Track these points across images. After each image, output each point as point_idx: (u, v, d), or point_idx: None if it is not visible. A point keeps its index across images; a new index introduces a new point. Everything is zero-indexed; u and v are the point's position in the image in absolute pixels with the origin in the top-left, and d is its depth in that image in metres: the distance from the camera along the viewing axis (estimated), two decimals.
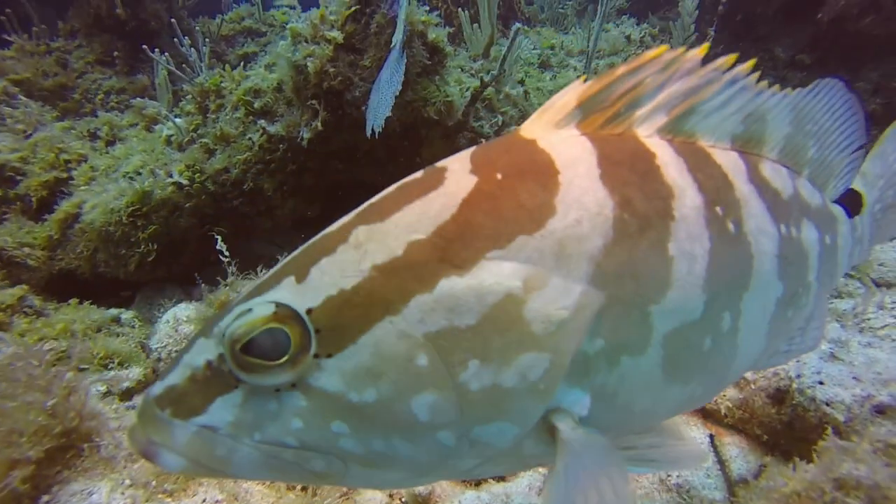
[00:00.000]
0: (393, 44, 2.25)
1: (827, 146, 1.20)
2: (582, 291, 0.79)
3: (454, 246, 0.78)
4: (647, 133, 0.95)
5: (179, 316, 2.44)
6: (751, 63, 1.03)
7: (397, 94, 2.38)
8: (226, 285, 2.35)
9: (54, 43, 4.88)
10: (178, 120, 3.30)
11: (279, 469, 0.78)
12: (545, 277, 0.78)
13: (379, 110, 2.45)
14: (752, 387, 1.52)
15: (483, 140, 3.42)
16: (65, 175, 3.35)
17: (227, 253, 2.38)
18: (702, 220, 0.91)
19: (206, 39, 3.72)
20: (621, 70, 0.92)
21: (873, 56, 5.58)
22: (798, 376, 1.47)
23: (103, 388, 1.97)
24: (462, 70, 3.87)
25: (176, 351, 2.40)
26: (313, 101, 2.64)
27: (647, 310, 0.85)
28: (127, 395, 2.13)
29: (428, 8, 2.79)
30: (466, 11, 3.94)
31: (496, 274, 0.77)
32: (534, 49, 6.02)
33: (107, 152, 3.53)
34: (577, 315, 0.78)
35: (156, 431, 0.77)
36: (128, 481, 0.93)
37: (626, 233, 0.84)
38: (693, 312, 0.89)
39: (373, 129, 2.43)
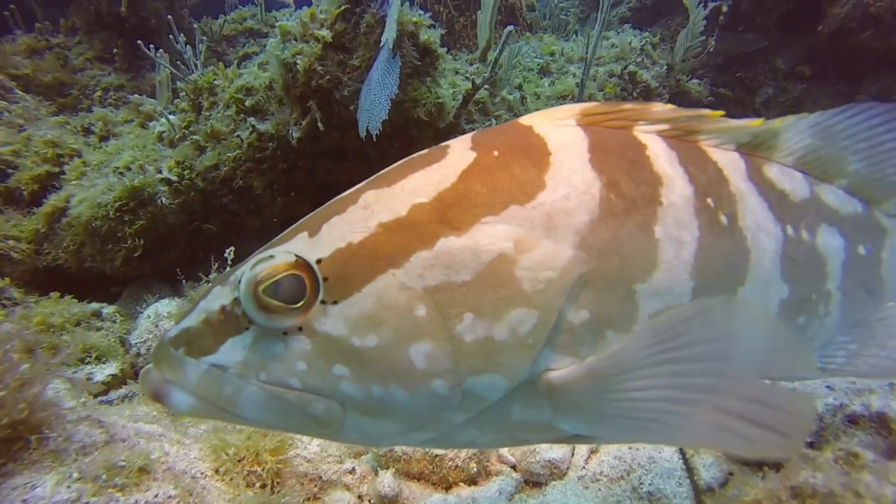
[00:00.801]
0: (382, 43, 2.24)
1: (880, 162, 1.18)
2: (567, 257, 0.85)
3: (453, 210, 0.85)
4: (644, 131, 1.00)
5: (160, 311, 2.43)
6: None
7: (393, 96, 2.37)
8: (207, 282, 2.33)
9: (54, 39, 4.90)
10: (171, 117, 3.31)
11: (281, 412, 0.81)
12: (535, 241, 0.84)
13: (373, 112, 2.44)
14: None
15: None
16: (57, 169, 3.36)
17: (230, 262, 2.37)
18: (690, 209, 0.95)
19: (204, 37, 3.72)
20: (630, 104, 1.02)
21: (873, 69, 5.57)
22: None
23: (81, 379, 1.95)
24: (457, 73, 3.87)
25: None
26: (302, 100, 2.64)
27: (633, 287, 0.89)
28: (103, 388, 2.11)
29: (422, 11, 2.79)
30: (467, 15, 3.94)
31: (490, 235, 0.84)
32: (536, 57, 6.02)
33: (100, 147, 3.54)
34: (562, 276, 0.84)
35: (169, 369, 0.83)
36: (76, 474, 0.91)
37: (611, 212, 0.90)
38: (681, 297, 0.92)
39: (367, 131, 2.43)
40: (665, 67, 6.22)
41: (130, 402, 1.87)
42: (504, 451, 1.72)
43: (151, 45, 3.63)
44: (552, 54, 6.13)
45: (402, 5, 2.59)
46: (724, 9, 6.41)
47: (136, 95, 3.96)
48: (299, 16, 2.53)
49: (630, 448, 1.58)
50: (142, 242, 2.85)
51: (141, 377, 0.87)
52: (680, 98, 6.42)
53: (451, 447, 1.22)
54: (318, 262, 0.82)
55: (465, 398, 0.83)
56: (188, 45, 3.49)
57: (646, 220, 0.91)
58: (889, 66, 5.45)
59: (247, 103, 3.01)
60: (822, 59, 5.96)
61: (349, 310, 0.80)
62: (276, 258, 0.82)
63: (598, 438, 1.09)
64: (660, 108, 1.03)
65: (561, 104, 5.68)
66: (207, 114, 3.22)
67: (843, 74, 5.94)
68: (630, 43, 6.31)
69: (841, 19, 5.45)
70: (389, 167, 0.98)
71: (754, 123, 1.06)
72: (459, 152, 0.93)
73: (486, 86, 3.69)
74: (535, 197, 0.88)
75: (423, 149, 3.28)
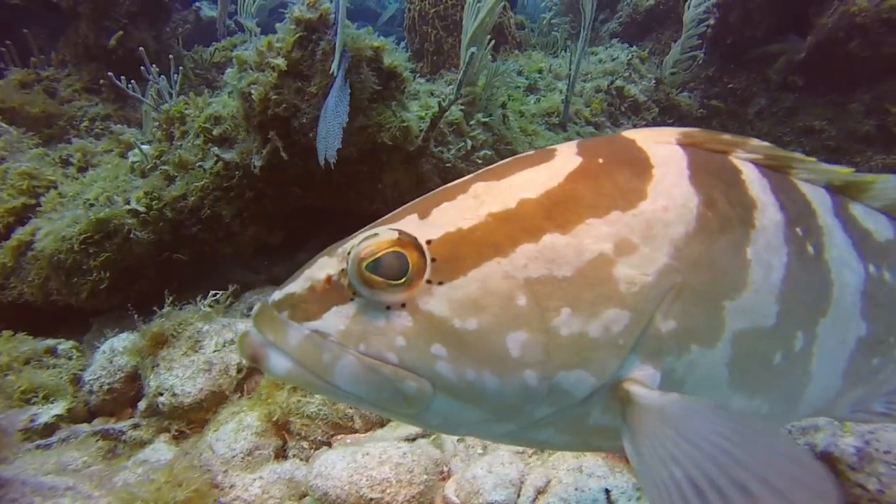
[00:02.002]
0: (331, 70, 2.22)
1: None
2: (663, 265, 0.87)
3: (559, 208, 0.88)
4: (741, 158, 1.03)
5: (116, 347, 2.39)
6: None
7: (344, 124, 2.35)
8: (161, 316, 2.30)
9: (44, 72, 5.00)
10: (145, 147, 3.32)
11: (374, 385, 0.82)
12: (634, 247, 0.87)
13: (329, 140, 2.42)
14: None
15: (448, 166, 3.37)
16: (33, 201, 3.37)
17: (221, 301, 2.34)
18: (781, 235, 0.97)
19: (182, 66, 3.76)
20: (729, 135, 1.05)
21: (865, 78, 5.48)
22: None
23: (22, 423, 1.91)
24: (432, 94, 3.85)
25: (108, 381, 2.34)
26: (261, 129, 2.63)
27: (721, 303, 0.91)
28: (47, 430, 2.07)
29: (407, 26, 2.78)
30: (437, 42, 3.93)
31: (593, 236, 0.86)
32: (522, 77, 6.01)
33: (76, 178, 3.55)
34: (656, 283, 0.86)
35: (272, 330, 0.84)
36: None
37: (707, 228, 0.92)
38: (766, 319, 0.94)
39: (326, 159, 2.40)
40: (653, 81, 6.18)
41: (67, 445, 1.83)
42: (450, 492, 1.64)
43: (123, 77, 3.66)
44: (540, 71, 6.11)
45: (361, 30, 2.59)
46: (712, 21, 6.38)
47: (118, 126, 4.00)
48: (256, 45, 2.53)
49: (577, 489, 1.50)
50: (108, 275, 2.84)
51: (239, 340, 0.88)
52: (670, 111, 6.36)
53: (525, 444, 1.24)
54: (428, 242, 0.84)
55: (552, 392, 0.84)
56: (161, 76, 3.51)
57: (738, 239, 0.94)
58: (880, 74, 5.36)
59: (214, 132, 3.01)
60: (813, 69, 5.88)
61: (454, 292, 0.82)
62: (380, 236, 0.84)
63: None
64: (757, 141, 1.05)
65: (546, 121, 5.63)
66: (179, 143, 3.23)
67: (835, 84, 5.85)
68: (617, 58, 6.29)
69: (828, 29, 5.38)
70: (496, 164, 1.02)
71: (845, 171, 1.09)
72: (566, 156, 0.96)
73: (461, 106, 3.68)
74: (637, 205, 0.90)
75: (393, 173, 3.23)
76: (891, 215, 1.15)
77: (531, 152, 1.02)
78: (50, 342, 2.52)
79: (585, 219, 0.87)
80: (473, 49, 2.82)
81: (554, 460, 1.69)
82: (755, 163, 1.03)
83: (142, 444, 2.10)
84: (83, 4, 4.58)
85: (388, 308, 0.82)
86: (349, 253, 0.84)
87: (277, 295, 0.88)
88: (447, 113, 3.31)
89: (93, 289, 2.82)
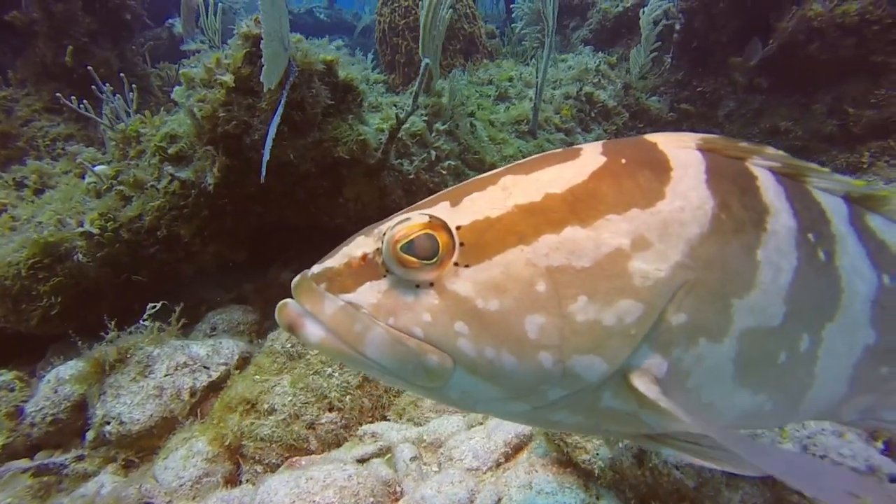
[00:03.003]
0: (265, 86, 2.18)
1: None
2: (676, 262, 0.92)
3: (581, 203, 0.93)
4: (758, 164, 1.07)
5: (62, 375, 2.31)
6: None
7: (273, 137, 2.31)
8: (109, 342, 2.23)
9: (2, 92, 4.89)
10: (98, 167, 3.25)
11: (399, 357, 0.87)
12: (649, 243, 0.92)
13: (265, 152, 2.38)
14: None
15: (410, 178, 3.35)
16: None
17: (147, 320, 2.27)
18: (792, 240, 1.01)
19: (133, 85, 3.69)
20: (747, 143, 1.08)
21: (825, 80, 5.59)
22: None
23: None
24: (395, 106, 3.83)
25: (52, 412, 2.25)
26: (212, 146, 2.58)
27: (730, 301, 0.95)
28: None
29: (378, 37, 2.75)
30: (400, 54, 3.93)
31: (612, 231, 0.91)
32: (492, 85, 6.03)
33: (32, 202, 3.46)
34: (669, 278, 0.91)
35: (309, 300, 0.90)
36: None
37: (720, 229, 0.96)
38: (772, 319, 0.98)
39: (265, 172, 2.36)
40: (622, 86, 6.24)
41: (11, 483, 1.74)
42: None
43: (73, 97, 3.59)
44: (510, 80, 6.14)
45: (331, 43, 2.56)
46: (678, 26, 6.48)
47: (73, 146, 3.92)
48: (204, 62, 2.49)
49: None
50: (59, 300, 2.75)
51: (278, 310, 0.92)
52: (640, 116, 6.43)
53: (540, 425, 1.29)
54: (458, 228, 0.90)
55: (566, 375, 0.89)
56: (117, 95, 3.45)
57: (750, 242, 0.98)
58: (839, 76, 5.48)
59: (170, 151, 2.95)
60: (777, 72, 5.99)
61: (479, 274, 0.88)
62: (413, 220, 0.90)
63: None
64: (773, 150, 1.09)
65: (516, 129, 5.62)
66: (135, 163, 3.17)
67: (798, 85, 5.97)
68: (586, 65, 6.34)
69: (789, 33, 5.49)
70: (526, 160, 1.07)
71: (859, 184, 1.12)
72: (591, 155, 1.01)
73: (425, 117, 3.66)
74: (655, 205, 0.95)
75: (355, 187, 3.18)
76: None
77: (559, 150, 1.07)
78: None
79: (606, 214, 0.92)
80: (427, 60, 2.81)
81: (507, 477, 1.66)
82: (772, 170, 1.06)
83: (86, 476, 2.02)
84: (40, 23, 4.50)
85: (418, 286, 0.88)
86: (384, 234, 0.90)
87: (316, 268, 0.94)
88: (410, 124, 3.30)
89: (44, 315, 2.74)
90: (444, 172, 3.58)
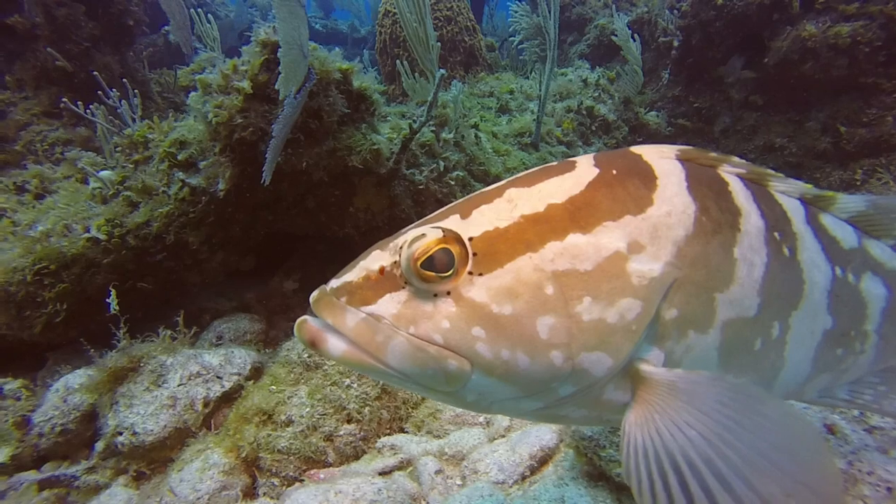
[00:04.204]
0: (280, 94, 2.17)
1: None
2: (667, 262, 1.01)
3: (581, 212, 1.01)
4: (728, 171, 1.18)
5: (70, 384, 2.24)
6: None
7: (280, 143, 2.29)
8: (119, 350, 2.17)
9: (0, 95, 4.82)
10: (103, 173, 3.20)
11: (421, 363, 0.92)
12: (643, 246, 1.00)
13: (268, 159, 2.36)
14: None
15: (420, 188, 3.34)
16: None
17: (116, 311, 2.22)
18: (762, 238, 1.12)
19: (136, 91, 3.66)
20: (716, 153, 1.19)
21: (818, 98, 5.72)
22: None
23: None
24: (404, 116, 3.84)
25: (61, 422, 2.18)
26: (226, 152, 2.56)
27: (713, 295, 1.05)
28: None
29: (378, 48, 2.75)
30: (405, 63, 3.95)
31: (610, 236, 0.99)
32: (493, 98, 6.08)
33: (34, 206, 3.40)
34: (662, 277, 0.99)
35: (331, 314, 0.93)
36: None
37: (702, 231, 1.06)
38: (749, 310, 1.08)
39: (269, 178, 2.33)
40: (621, 101, 6.32)
41: (4, 500, 1.67)
42: None
43: (90, 102, 3.55)
44: (511, 92, 6.19)
45: (329, 52, 2.56)
46: (675, 43, 6.59)
47: (73, 151, 3.86)
48: (220, 68, 2.47)
49: None
50: (65, 307, 2.69)
51: (297, 327, 0.95)
52: (639, 130, 6.52)
53: (549, 421, 1.41)
54: (470, 239, 0.96)
55: (575, 372, 0.95)
56: (122, 100, 3.41)
57: (728, 241, 1.08)
58: (832, 94, 5.60)
59: (179, 157, 2.92)
60: (771, 89, 6.11)
61: (492, 281, 0.94)
62: (429, 235, 0.95)
63: None
64: (738, 158, 1.21)
65: (519, 141, 5.66)
66: (142, 168, 3.12)
67: (792, 103, 6.09)
68: (586, 79, 6.42)
69: (783, 52, 5.62)
70: (525, 172, 1.14)
71: (808, 186, 1.25)
72: (586, 167, 1.09)
73: (432, 128, 3.67)
74: (645, 210, 1.03)
75: (365, 196, 3.18)
76: (855, 226, 1.31)
77: (555, 163, 1.15)
78: None
79: (603, 221, 1.00)
80: (443, 71, 2.82)
81: (536, 491, 1.64)
82: (739, 176, 1.17)
83: (97, 489, 1.95)
84: (42, 27, 4.45)
85: (436, 295, 0.93)
86: (401, 248, 0.95)
87: (335, 283, 0.98)
88: (419, 135, 3.30)
89: (48, 322, 2.67)
90: (452, 183, 3.58)
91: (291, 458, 1.96)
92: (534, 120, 5.29)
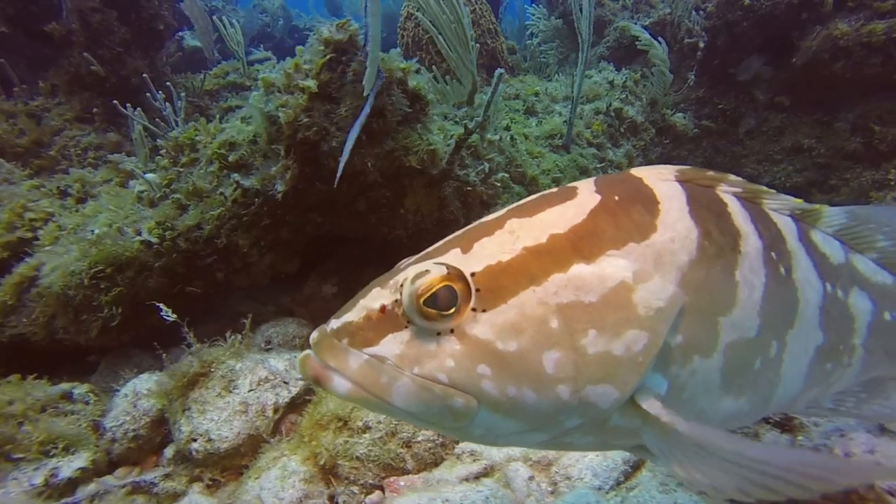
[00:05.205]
0: (363, 92, 2.14)
1: None
2: (673, 290, 0.99)
3: (584, 242, 0.99)
4: (725, 191, 1.19)
5: (139, 389, 2.20)
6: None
7: (355, 138, 2.25)
8: (190, 354, 2.13)
9: (33, 102, 4.81)
10: (150, 175, 3.17)
11: (426, 403, 0.90)
12: (648, 275, 0.98)
13: (342, 157, 2.32)
14: None
15: (471, 188, 3.30)
16: (30, 235, 3.17)
17: (174, 318, 2.18)
18: (760, 259, 1.12)
19: (182, 94, 3.63)
20: (712, 172, 1.20)
21: (848, 97, 5.67)
22: None
23: (40, 481, 1.71)
24: (446, 118, 3.80)
25: (133, 428, 2.14)
26: (287, 153, 2.52)
27: (717, 319, 1.04)
28: (70, 485, 1.86)
29: (401, 52, 2.72)
30: (435, 66, 3.91)
31: (614, 266, 0.97)
32: (519, 100, 6.05)
33: (77, 210, 3.36)
34: (669, 306, 0.97)
35: (333, 357, 0.91)
36: None
37: (705, 255, 1.05)
38: (749, 331, 1.09)
39: (339, 177, 2.30)
40: (648, 102, 6.28)
41: (109, 502, 1.63)
42: None
43: (129, 105, 3.53)
44: (536, 94, 6.16)
45: (387, 52, 2.53)
46: (701, 44, 6.56)
47: (115, 155, 3.83)
48: (283, 67, 2.44)
49: None
50: (120, 311, 2.65)
51: (300, 362, 0.94)
52: (666, 132, 6.47)
53: (554, 448, 1.40)
54: (472, 274, 0.94)
55: (582, 404, 0.94)
56: (167, 103, 3.39)
57: (729, 264, 1.08)
58: (863, 94, 5.56)
59: (230, 158, 2.88)
60: (798, 90, 6.07)
61: (496, 318, 0.92)
62: (432, 273, 0.92)
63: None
64: (734, 177, 1.22)
65: (550, 143, 5.62)
66: (189, 171, 3.09)
67: (820, 103, 6.04)
68: (612, 80, 6.39)
69: (813, 52, 5.57)
70: (525, 200, 1.13)
71: (797, 201, 1.28)
72: (586, 194, 1.08)
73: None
74: (649, 237, 1.02)
75: (415, 197, 3.13)
76: (841, 240, 1.34)
77: (556, 190, 1.12)
78: (65, 386, 2.31)
79: (606, 251, 0.99)
80: (501, 70, 2.78)
81: (638, 498, 1.58)
82: (736, 196, 1.19)
83: (175, 496, 1.90)
84: (77, 33, 4.44)
85: (439, 334, 0.91)
86: (401, 286, 0.93)
87: (335, 323, 0.95)
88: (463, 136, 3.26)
89: (103, 326, 2.63)
90: (497, 185, 3.54)
91: (370, 465, 1.90)
92: (564, 122, 5.25)
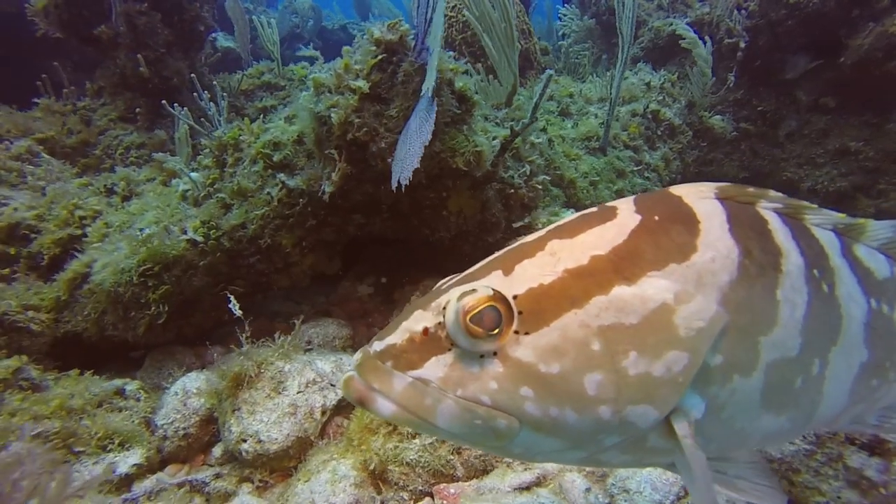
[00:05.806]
0: (423, 91, 2.11)
1: None
2: (714, 311, 0.99)
3: (625, 263, 1.00)
4: (765, 208, 1.17)
5: (189, 388, 2.21)
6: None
7: (426, 143, 2.24)
8: (240, 354, 2.13)
9: (81, 103, 4.94)
10: (194, 174, 3.20)
11: (469, 424, 0.92)
12: (690, 295, 0.99)
13: (406, 161, 2.30)
14: None
15: (513, 190, 3.26)
16: (79, 232, 3.24)
17: (240, 314, 2.18)
18: (802, 277, 1.12)
19: (225, 94, 3.67)
20: (752, 188, 1.18)
21: None
22: None
23: (99, 475, 1.73)
24: (486, 119, 3.76)
25: (184, 426, 2.15)
26: (336, 153, 2.51)
27: (758, 339, 1.05)
28: (125, 481, 1.88)
29: (454, 55, 2.69)
30: (480, 64, 3.87)
31: (655, 287, 0.98)
32: (553, 101, 5.97)
33: (123, 208, 3.43)
34: (710, 327, 0.98)
35: (377, 379, 0.93)
36: None
37: (746, 275, 1.05)
38: (791, 350, 1.09)
39: (399, 182, 2.28)
40: (686, 104, 6.13)
41: (165, 499, 1.63)
42: None
43: (176, 104, 3.58)
44: (571, 96, 6.07)
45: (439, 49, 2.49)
46: (742, 44, 6.38)
47: (159, 154, 3.89)
48: (333, 67, 2.43)
49: None
50: (166, 308, 2.68)
51: (344, 383, 0.96)
52: (703, 134, 6.31)
53: (590, 465, 1.41)
54: (515, 297, 0.94)
55: (622, 424, 0.95)
56: (211, 102, 3.42)
57: (771, 283, 1.07)
58: None
59: (274, 158, 2.89)
60: (845, 91, 5.84)
61: (539, 340, 0.93)
62: (479, 292, 0.93)
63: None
64: (774, 193, 1.19)
65: (586, 145, 5.51)
66: (233, 170, 3.11)
67: (869, 104, 5.81)
68: (649, 82, 6.26)
69: (864, 50, 5.36)
70: (565, 220, 1.13)
71: (841, 216, 1.25)
72: (627, 214, 1.08)
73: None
74: (690, 258, 1.02)
75: (458, 199, 3.09)
76: (887, 254, 1.31)
77: (596, 210, 1.13)
78: (118, 382, 2.34)
79: (648, 272, 0.99)
80: (551, 71, 2.73)
81: None
82: (777, 212, 1.17)
83: (226, 496, 1.90)
84: (124, 36, 4.54)
85: (482, 356, 0.93)
86: (444, 308, 0.94)
87: (378, 345, 0.97)
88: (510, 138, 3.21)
89: (150, 323, 2.66)
90: (538, 187, 3.49)
91: (420, 471, 1.87)
92: (600, 124, 5.16)
